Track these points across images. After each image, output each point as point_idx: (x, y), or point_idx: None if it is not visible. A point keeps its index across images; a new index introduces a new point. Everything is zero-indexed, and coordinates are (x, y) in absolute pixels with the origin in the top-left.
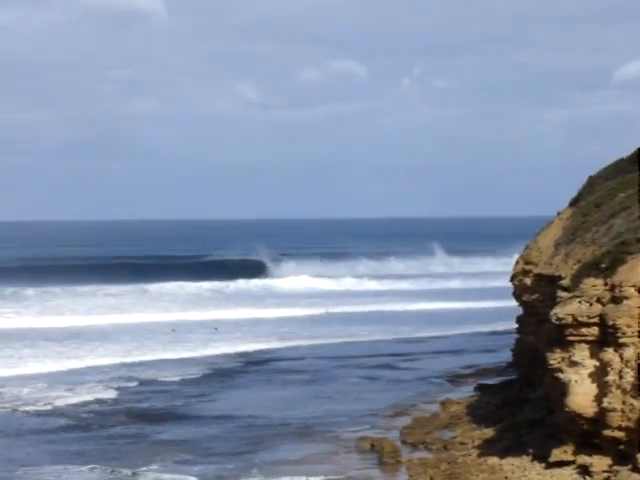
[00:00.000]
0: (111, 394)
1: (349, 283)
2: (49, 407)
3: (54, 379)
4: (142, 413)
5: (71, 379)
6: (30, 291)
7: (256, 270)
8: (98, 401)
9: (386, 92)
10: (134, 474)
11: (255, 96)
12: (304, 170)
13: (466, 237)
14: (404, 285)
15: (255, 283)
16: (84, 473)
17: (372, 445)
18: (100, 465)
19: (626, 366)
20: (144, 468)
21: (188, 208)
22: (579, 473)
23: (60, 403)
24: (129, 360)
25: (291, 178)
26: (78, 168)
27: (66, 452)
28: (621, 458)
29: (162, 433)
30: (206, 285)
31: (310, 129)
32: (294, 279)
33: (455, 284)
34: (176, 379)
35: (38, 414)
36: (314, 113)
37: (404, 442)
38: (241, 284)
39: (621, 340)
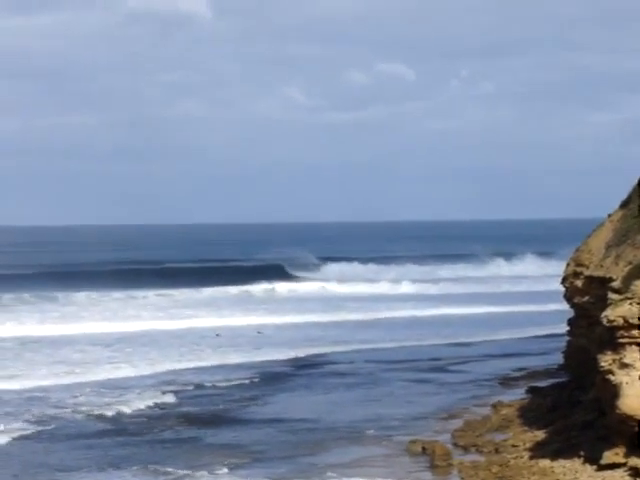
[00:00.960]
0: (163, 399)
1: (398, 287)
2: (98, 413)
3: (104, 385)
4: (192, 417)
5: (122, 385)
6: (80, 295)
7: (303, 273)
8: (149, 406)
9: (434, 94)
10: (183, 477)
11: (303, 98)
12: (352, 172)
13: (515, 239)
14: (454, 289)
15: (302, 287)
16: (128, 477)
17: (423, 448)
18: (148, 468)
19: None
20: (193, 471)
21: (236, 211)
22: (630, 475)
23: (111, 408)
24: (179, 366)
25: (339, 180)
26: (128, 171)
27: (114, 456)
28: None
29: (212, 437)
30: (251, 288)
31: (358, 131)
32: (343, 282)
33: (505, 287)
34: (226, 384)
35: (87, 420)
36: (362, 115)
37: (455, 445)
38: (287, 287)
39: None
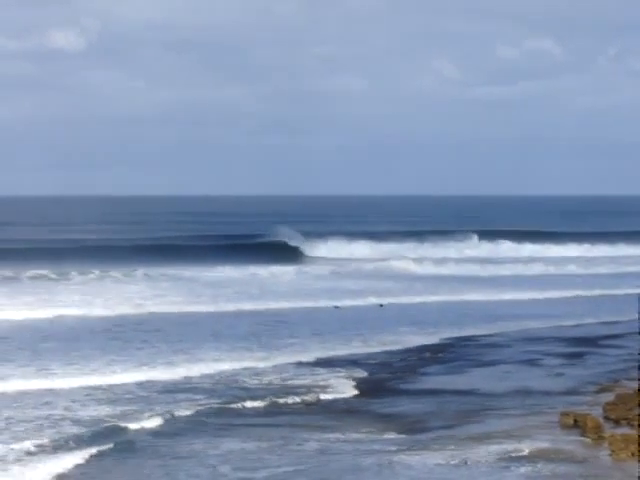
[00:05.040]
0: (318, 372)
1: (550, 267)
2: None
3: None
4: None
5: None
6: (260, 269)
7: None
8: (308, 379)
9: (582, 70)
10: (335, 442)
11: (454, 73)
12: (500, 146)
13: None
14: (607, 269)
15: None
16: (277, 440)
17: (575, 420)
18: (295, 430)
19: None
20: (345, 439)
21: (387, 185)
22: None
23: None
24: (332, 344)
25: (489, 154)
26: (280, 144)
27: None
28: None
29: (366, 406)
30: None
31: (507, 106)
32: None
33: None
34: (382, 357)
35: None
36: (511, 90)
37: (607, 418)
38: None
39: None
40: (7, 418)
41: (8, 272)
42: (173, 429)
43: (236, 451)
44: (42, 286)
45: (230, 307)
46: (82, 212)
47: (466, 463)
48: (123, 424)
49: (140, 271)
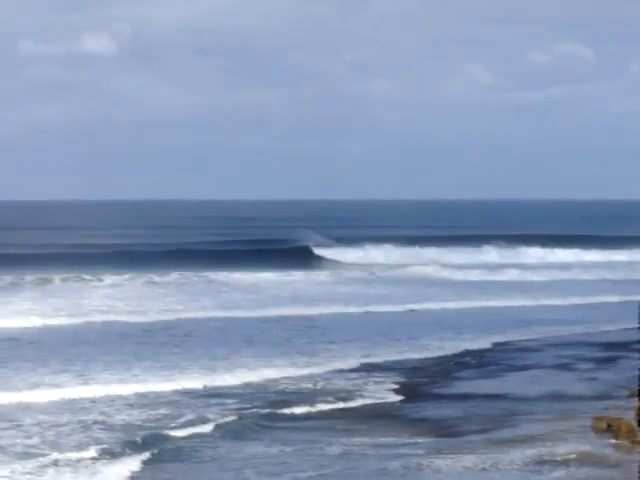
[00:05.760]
0: (354, 376)
1: (584, 272)
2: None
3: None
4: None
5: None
6: (292, 274)
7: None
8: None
9: (614, 76)
10: (365, 445)
11: (485, 78)
12: (531, 151)
13: None
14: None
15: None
16: (296, 439)
17: (608, 425)
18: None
19: None
20: (379, 443)
21: (420, 189)
22: None
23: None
24: (373, 348)
25: (521, 159)
26: (311, 148)
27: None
28: None
29: (399, 411)
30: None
31: (538, 111)
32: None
33: None
34: (416, 362)
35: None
36: (542, 95)
37: (639, 422)
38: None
39: None
40: (40, 423)
41: (40, 276)
42: (204, 434)
43: (261, 455)
44: (73, 290)
45: (262, 312)
46: (114, 216)
47: (497, 467)
48: (160, 431)
49: (172, 275)
